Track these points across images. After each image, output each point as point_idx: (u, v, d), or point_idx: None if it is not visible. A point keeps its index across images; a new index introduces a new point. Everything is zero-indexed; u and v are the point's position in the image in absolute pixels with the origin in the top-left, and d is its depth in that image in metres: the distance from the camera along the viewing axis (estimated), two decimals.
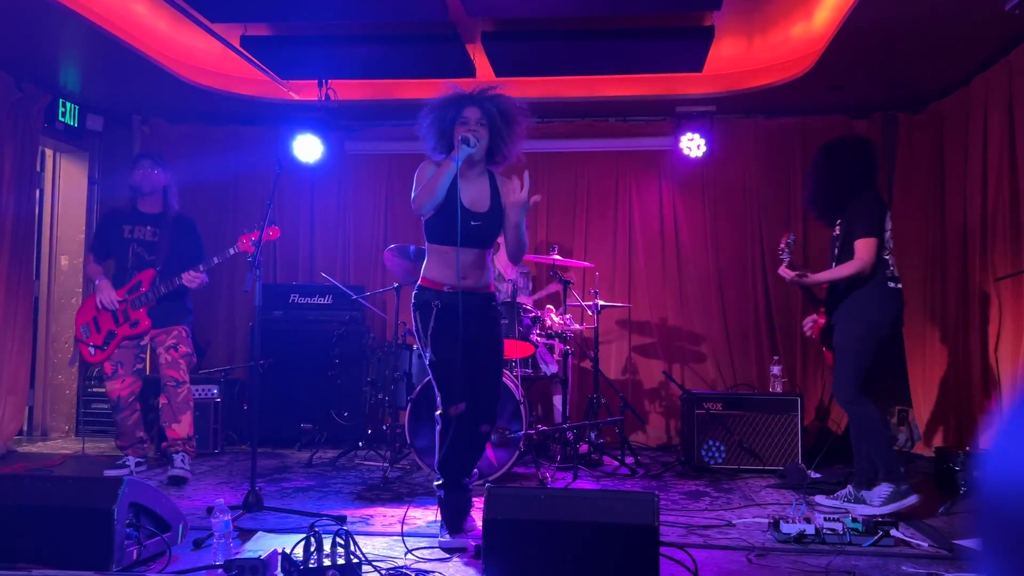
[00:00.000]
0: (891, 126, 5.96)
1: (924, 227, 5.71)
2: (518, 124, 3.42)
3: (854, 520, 3.36)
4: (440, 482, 3.40)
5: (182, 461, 4.58)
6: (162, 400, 4.67)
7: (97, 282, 4.67)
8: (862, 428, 4.00)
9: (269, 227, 4.24)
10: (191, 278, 4.57)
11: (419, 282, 3.46)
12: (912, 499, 3.75)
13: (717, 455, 5.01)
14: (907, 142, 5.85)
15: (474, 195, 3.42)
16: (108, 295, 4.60)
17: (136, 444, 4.73)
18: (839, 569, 2.99)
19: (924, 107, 5.74)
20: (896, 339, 4.04)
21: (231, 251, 4.56)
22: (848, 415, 4.10)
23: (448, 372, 3.36)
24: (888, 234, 4.00)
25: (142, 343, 4.70)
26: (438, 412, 3.42)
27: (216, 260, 4.61)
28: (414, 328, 3.46)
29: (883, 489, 3.87)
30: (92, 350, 4.63)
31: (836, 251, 4.05)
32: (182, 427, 4.63)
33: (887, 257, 3.96)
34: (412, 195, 3.35)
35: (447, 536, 3.30)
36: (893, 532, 3.30)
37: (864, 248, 3.89)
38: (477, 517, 3.20)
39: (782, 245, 4.25)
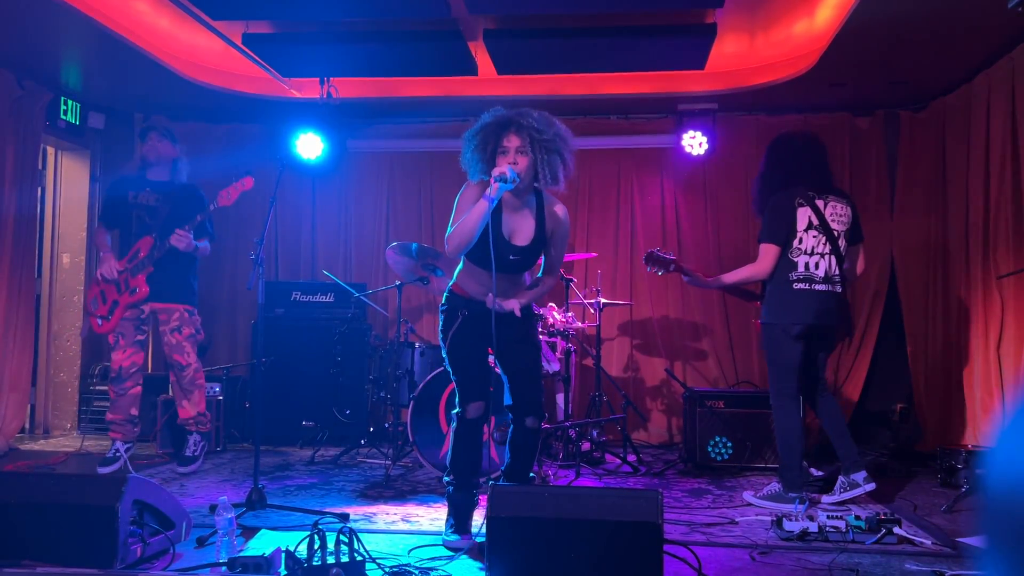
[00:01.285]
0: (893, 123, 5.95)
1: (926, 224, 5.71)
2: (562, 148, 3.20)
3: (857, 518, 3.36)
4: (450, 479, 3.38)
5: (194, 443, 4.80)
6: (171, 378, 4.86)
7: (101, 254, 4.77)
8: (776, 428, 4.13)
9: (243, 177, 4.45)
10: (178, 237, 4.58)
11: (451, 287, 3.41)
12: (790, 507, 3.73)
13: (724, 452, 5.01)
14: (909, 139, 5.85)
15: (516, 225, 3.30)
16: (107, 266, 4.69)
17: (125, 423, 4.73)
18: (842, 566, 2.99)
19: (926, 104, 5.74)
20: (817, 337, 4.06)
21: (211, 207, 4.64)
22: (773, 413, 4.19)
23: (466, 369, 3.35)
24: (807, 235, 3.98)
25: (143, 314, 4.73)
26: (455, 411, 3.38)
27: (199, 217, 4.65)
28: (439, 327, 3.42)
29: (774, 486, 4.06)
30: (99, 321, 4.72)
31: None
32: (192, 405, 4.82)
33: (796, 259, 3.99)
34: (447, 231, 3.21)
35: (452, 535, 3.31)
36: (896, 530, 3.30)
37: (762, 252, 4.04)
38: (479, 515, 3.20)
39: (650, 266, 4.35)
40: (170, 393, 4.93)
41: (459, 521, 3.34)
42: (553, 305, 5.31)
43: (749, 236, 6.18)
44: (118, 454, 4.70)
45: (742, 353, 6.16)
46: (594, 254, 5.84)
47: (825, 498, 4.09)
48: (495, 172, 3.07)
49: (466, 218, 3.12)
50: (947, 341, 5.46)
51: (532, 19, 4.81)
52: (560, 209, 3.38)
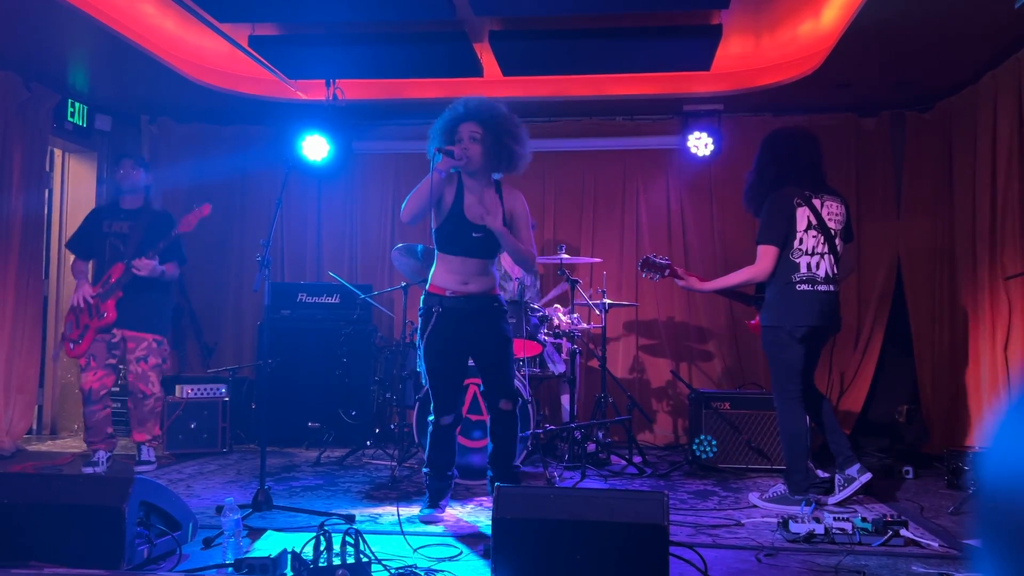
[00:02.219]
0: (899, 124, 5.94)
1: (932, 226, 5.70)
2: (513, 134, 3.59)
3: (863, 520, 3.35)
4: (428, 471, 3.81)
5: (147, 453, 4.89)
6: (129, 404, 4.93)
7: (78, 281, 4.85)
8: (781, 431, 4.13)
9: (201, 205, 4.56)
10: (141, 265, 4.65)
11: (427, 289, 3.70)
12: (796, 508, 3.70)
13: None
14: (915, 140, 5.84)
15: (477, 207, 3.61)
16: (82, 292, 4.79)
17: (105, 439, 4.84)
18: (849, 569, 2.99)
19: (932, 105, 5.72)
20: (817, 338, 4.05)
21: (172, 233, 4.69)
22: (777, 415, 4.17)
23: (439, 383, 3.70)
24: (807, 235, 3.96)
25: (114, 338, 4.78)
26: (429, 418, 3.77)
27: (161, 244, 4.71)
28: (417, 331, 3.72)
29: (779, 488, 4.06)
30: (71, 345, 4.79)
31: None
32: (146, 432, 4.90)
33: (798, 260, 3.96)
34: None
35: (427, 509, 3.70)
36: (903, 532, 3.29)
37: (760, 254, 4.00)
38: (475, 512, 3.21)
39: (644, 272, 4.33)
40: (182, 395, 5.00)
41: (433, 500, 3.77)
42: (559, 306, 5.31)
43: (754, 235, 6.15)
44: (98, 460, 4.79)
45: (747, 354, 6.15)
46: (599, 259, 5.83)
47: (829, 500, 4.08)
48: (435, 148, 3.51)
49: (416, 190, 3.53)
50: (954, 342, 5.44)
51: (537, 20, 4.82)
52: (517, 194, 3.75)
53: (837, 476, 4.05)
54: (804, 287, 3.95)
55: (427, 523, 3.60)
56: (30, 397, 5.53)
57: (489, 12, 4.58)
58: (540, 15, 4.67)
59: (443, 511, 3.74)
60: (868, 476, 3.98)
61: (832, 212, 4.02)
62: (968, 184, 5.27)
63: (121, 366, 4.97)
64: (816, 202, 3.99)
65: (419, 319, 3.68)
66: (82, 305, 4.76)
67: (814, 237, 3.97)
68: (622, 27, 4.83)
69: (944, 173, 5.62)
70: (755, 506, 4.04)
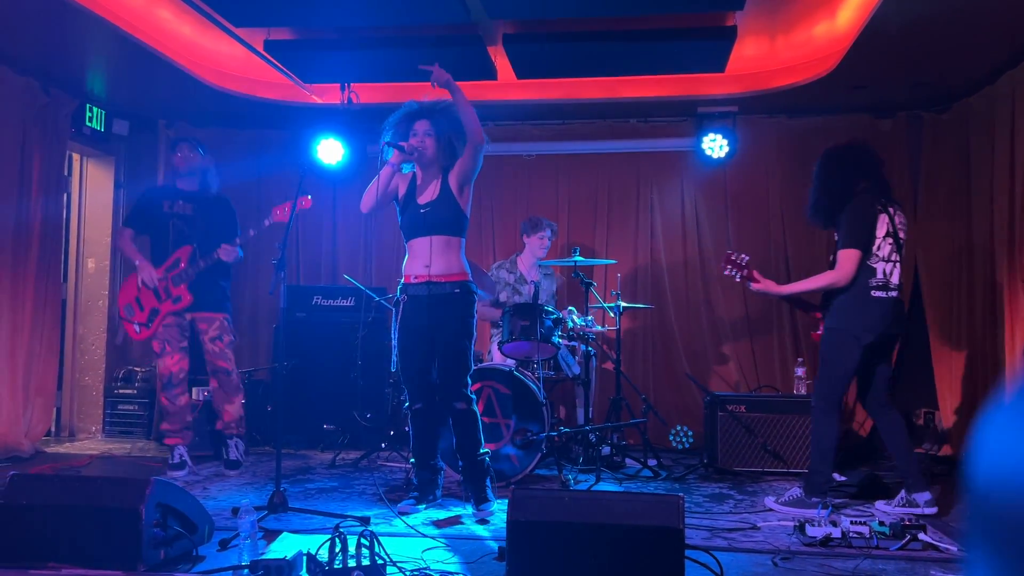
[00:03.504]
0: (916, 125, 5.90)
1: (950, 228, 5.65)
2: (454, 116, 3.85)
3: (881, 524, 3.33)
4: (412, 461, 4.01)
5: (236, 447, 4.94)
6: (213, 384, 4.96)
7: (137, 263, 4.82)
8: (814, 433, 4.09)
9: (302, 197, 4.48)
10: (228, 251, 4.74)
11: (401, 281, 3.95)
12: (813, 512, 3.67)
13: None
14: (932, 141, 5.79)
15: (427, 192, 3.91)
16: (149, 273, 4.76)
17: (184, 430, 4.86)
18: (866, 573, 2.97)
19: (949, 106, 5.68)
20: (885, 346, 4.03)
21: (266, 223, 4.76)
22: (812, 418, 4.14)
23: (407, 368, 3.91)
24: (884, 242, 3.95)
25: (185, 321, 4.84)
26: (406, 405, 4.06)
27: (252, 232, 4.84)
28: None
29: (795, 491, 4.04)
30: (137, 328, 4.80)
31: (832, 259, 4.06)
32: (235, 407, 4.97)
33: (876, 265, 3.93)
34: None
35: (405, 502, 3.88)
36: (921, 536, 3.27)
37: (843, 259, 3.95)
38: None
39: (727, 268, 4.29)
40: (199, 397, 5.03)
41: (422, 494, 3.92)
42: (573, 309, 5.30)
43: (770, 239, 6.16)
44: (183, 458, 4.80)
45: (763, 357, 6.12)
46: (614, 260, 5.82)
47: (880, 503, 4.07)
48: (384, 143, 3.86)
49: (371, 183, 3.86)
50: (972, 345, 5.39)
51: (551, 23, 4.82)
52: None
53: (903, 493, 3.99)
54: (879, 293, 3.93)
55: (402, 513, 3.77)
56: (48, 400, 5.57)
57: (503, 15, 4.58)
58: (554, 18, 4.66)
59: (425, 505, 3.89)
60: (932, 510, 3.89)
61: (901, 222, 4.04)
62: (986, 185, 5.22)
63: (184, 343, 4.90)
64: (891, 210, 4.01)
65: (392, 310, 3.94)
66: (150, 286, 4.74)
67: (889, 245, 3.97)
68: (636, 29, 4.82)
69: (962, 174, 5.57)
70: (771, 509, 4.02)
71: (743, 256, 4.30)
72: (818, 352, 4.16)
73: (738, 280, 4.33)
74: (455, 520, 3.75)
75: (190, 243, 4.78)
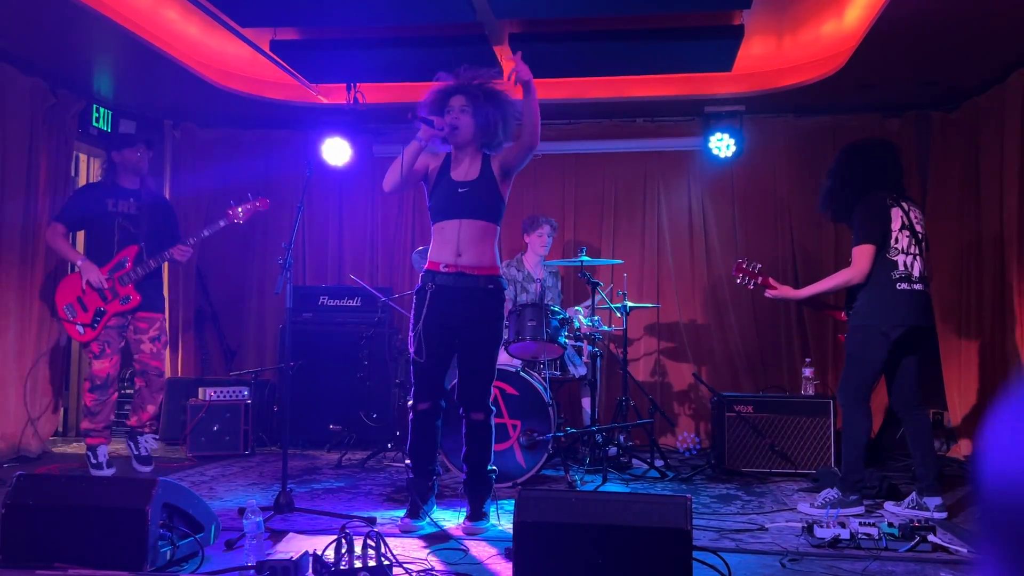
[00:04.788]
0: (924, 124, 5.87)
1: (959, 227, 5.62)
2: (504, 107, 3.52)
3: (890, 525, 3.30)
4: (409, 466, 3.68)
5: (146, 443, 4.91)
6: (138, 383, 4.90)
7: (80, 263, 4.73)
8: (845, 431, 4.05)
9: (258, 199, 4.64)
10: (182, 251, 4.75)
11: (424, 267, 3.59)
12: (853, 510, 3.73)
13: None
14: (941, 141, 5.76)
15: (463, 170, 3.55)
16: (95, 274, 4.66)
17: (105, 429, 4.81)
18: (875, 574, 2.95)
19: (958, 105, 5.65)
20: (913, 340, 4.00)
21: (221, 223, 4.76)
22: (842, 416, 4.12)
23: (423, 371, 3.54)
24: (901, 234, 3.93)
25: (126, 322, 4.81)
26: (409, 403, 3.65)
27: (206, 233, 4.80)
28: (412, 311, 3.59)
29: (832, 493, 3.99)
30: (81, 329, 4.70)
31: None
32: (155, 407, 4.97)
33: (896, 258, 3.92)
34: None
35: (407, 519, 3.54)
36: (931, 537, 3.24)
37: (858, 255, 3.94)
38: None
39: (739, 276, 4.30)
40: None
41: (414, 506, 3.57)
42: (579, 309, 5.29)
43: (777, 238, 6.14)
44: (100, 461, 4.73)
45: (771, 357, 6.10)
46: (620, 260, 5.81)
47: (888, 504, 4.04)
48: (410, 115, 3.47)
49: (397, 158, 3.48)
50: (981, 345, 5.36)
51: (557, 23, 4.81)
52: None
53: (914, 495, 3.96)
54: (903, 285, 3.91)
55: (405, 531, 3.46)
56: (55, 400, 5.58)
57: (509, 15, 4.57)
58: (560, 17, 4.65)
59: (424, 518, 3.54)
60: (942, 516, 3.86)
61: (916, 217, 4.03)
62: (995, 184, 5.19)
63: (122, 343, 4.87)
64: (904, 204, 4.00)
65: (414, 298, 3.56)
66: (96, 287, 4.65)
67: (907, 237, 3.95)
68: (643, 28, 4.80)
69: (971, 174, 5.54)
70: (778, 510, 3.99)
71: (756, 264, 4.29)
72: (844, 350, 4.13)
73: (751, 288, 4.32)
74: (445, 537, 3.47)
75: (136, 243, 4.75)
